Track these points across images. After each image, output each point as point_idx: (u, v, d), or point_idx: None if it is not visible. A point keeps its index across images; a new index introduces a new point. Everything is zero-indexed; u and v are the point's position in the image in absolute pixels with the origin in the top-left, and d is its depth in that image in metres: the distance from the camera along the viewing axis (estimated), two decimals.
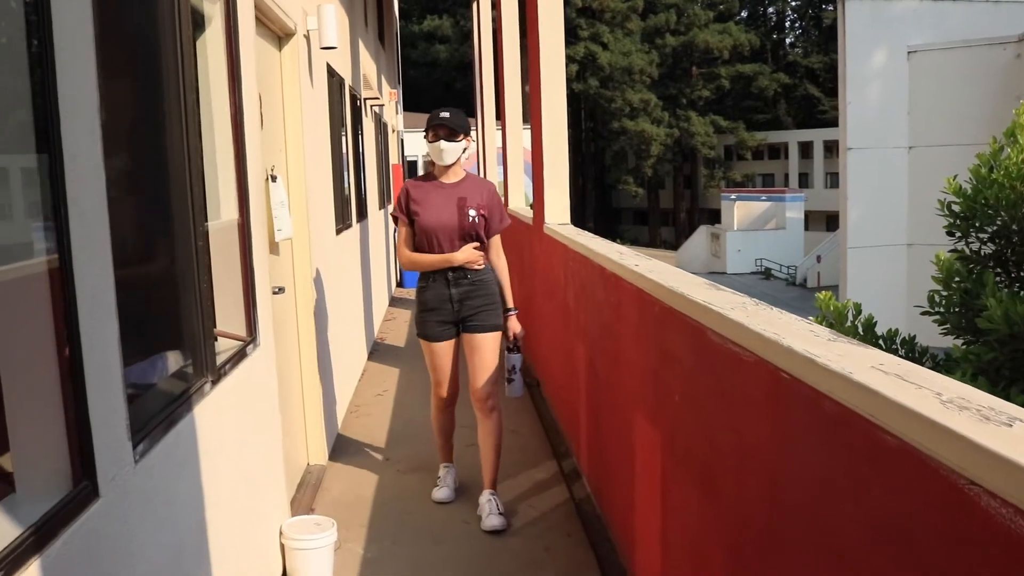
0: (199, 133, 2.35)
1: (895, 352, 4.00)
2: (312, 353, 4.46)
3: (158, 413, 2.01)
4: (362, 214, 7.32)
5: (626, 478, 3.24)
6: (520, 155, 8.60)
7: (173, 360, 2.25)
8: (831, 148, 54.43)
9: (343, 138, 6.24)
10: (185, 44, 2.33)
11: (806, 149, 55.68)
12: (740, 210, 44.53)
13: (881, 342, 4.02)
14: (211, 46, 2.88)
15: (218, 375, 2.50)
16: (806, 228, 43.71)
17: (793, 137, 56.51)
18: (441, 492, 4.18)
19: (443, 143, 3.81)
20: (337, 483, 4.42)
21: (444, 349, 3.98)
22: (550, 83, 5.14)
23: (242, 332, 3.01)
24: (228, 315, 2.97)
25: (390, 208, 11.63)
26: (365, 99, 8.20)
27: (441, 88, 51.77)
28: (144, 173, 2.20)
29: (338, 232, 5.60)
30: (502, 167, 8.96)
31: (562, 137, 5.20)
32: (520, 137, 8.57)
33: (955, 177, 4.18)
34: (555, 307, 5.13)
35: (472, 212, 3.82)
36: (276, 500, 3.41)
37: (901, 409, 1.21)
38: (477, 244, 3.88)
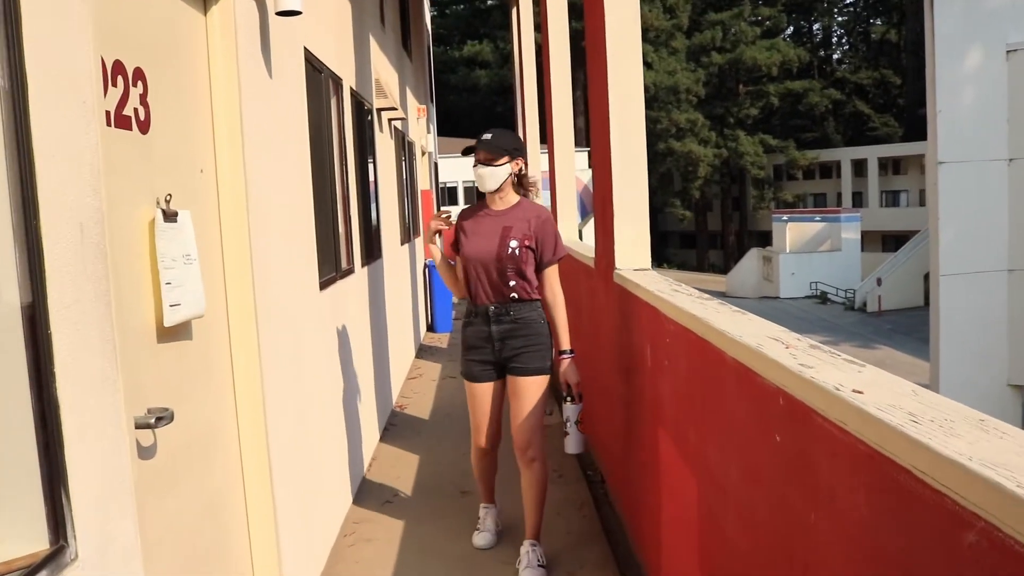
0: None
1: None
2: (264, 482, 2.88)
3: None
4: (372, 254, 5.73)
5: None
6: (571, 181, 7.07)
7: None
8: (885, 165, 52.12)
9: (338, 155, 4.69)
10: None
11: (859, 167, 53.32)
12: (792, 231, 42.64)
13: None
14: None
15: None
16: (862, 249, 41.55)
17: (845, 155, 54.16)
18: (481, 538, 3.97)
19: (481, 168, 3.52)
20: None
21: (483, 391, 3.70)
22: (622, 85, 3.71)
23: (39, 543, 1.45)
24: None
25: (418, 241, 10.14)
26: (379, 109, 6.66)
27: (482, 112, 50.72)
28: None
29: (324, 286, 4.03)
30: (549, 193, 7.40)
31: (640, 156, 3.78)
32: (572, 161, 7.07)
33: None
34: (631, 389, 3.53)
35: (514, 243, 3.51)
36: None
37: None
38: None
